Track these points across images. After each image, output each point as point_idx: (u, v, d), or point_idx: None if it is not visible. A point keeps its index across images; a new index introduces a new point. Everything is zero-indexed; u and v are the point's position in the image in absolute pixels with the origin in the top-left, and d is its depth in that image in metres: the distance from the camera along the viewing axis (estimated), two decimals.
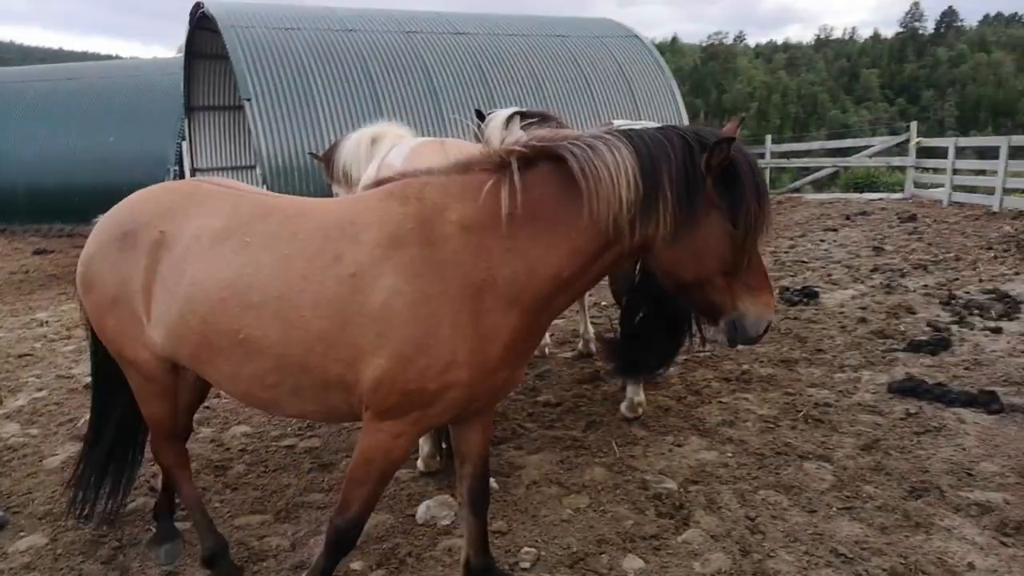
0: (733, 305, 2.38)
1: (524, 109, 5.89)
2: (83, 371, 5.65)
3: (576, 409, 4.75)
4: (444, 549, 3.24)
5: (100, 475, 3.37)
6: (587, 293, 5.91)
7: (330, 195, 5.39)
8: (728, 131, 2.33)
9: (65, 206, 16.00)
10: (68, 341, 7.21)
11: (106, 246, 2.77)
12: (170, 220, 2.67)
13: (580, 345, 5.80)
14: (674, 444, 4.16)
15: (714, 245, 2.29)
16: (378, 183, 2.61)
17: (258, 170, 10.18)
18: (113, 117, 17.03)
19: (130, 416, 3.24)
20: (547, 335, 5.86)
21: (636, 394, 4.47)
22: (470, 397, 2.43)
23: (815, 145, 19.00)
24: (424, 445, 3.87)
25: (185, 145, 15.54)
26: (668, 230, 2.26)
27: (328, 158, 5.53)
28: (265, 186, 9.65)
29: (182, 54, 14.49)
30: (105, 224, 2.85)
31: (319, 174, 7.08)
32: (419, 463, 3.90)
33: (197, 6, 11.73)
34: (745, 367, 5.27)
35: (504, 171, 2.35)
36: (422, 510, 3.50)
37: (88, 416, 3.47)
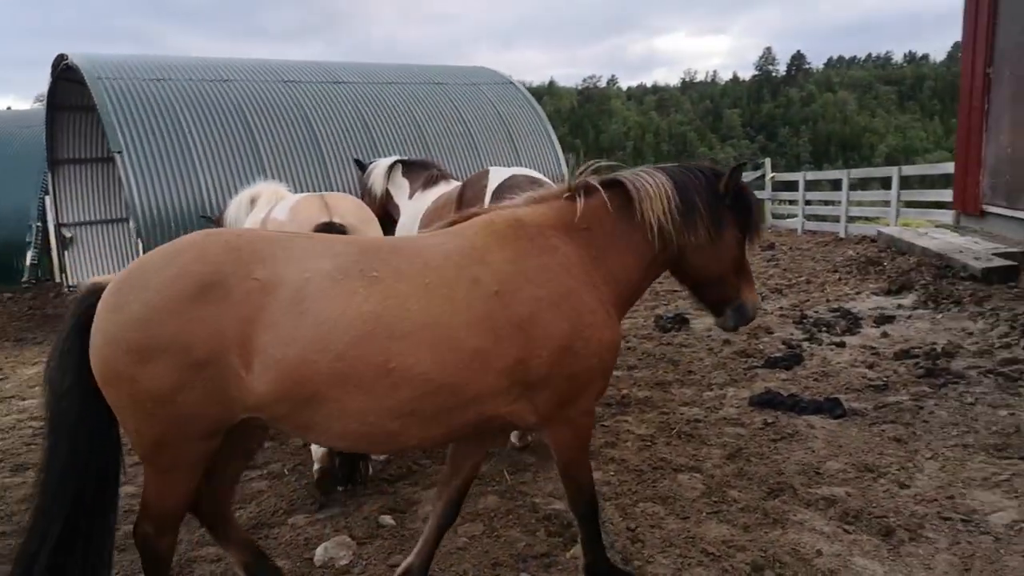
0: (737, 295, 3.19)
1: (405, 158, 6.14)
2: None
3: None
4: None
5: None
6: None
7: None
8: (731, 168, 3.11)
9: None
10: None
11: (178, 303, 2.42)
12: (262, 267, 2.52)
13: None
14: None
15: (730, 249, 3.11)
16: (459, 220, 3.01)
17: (132, 223, 9.84)
18: None
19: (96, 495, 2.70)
20: None
21: None
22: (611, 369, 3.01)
23: None
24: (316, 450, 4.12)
25: (48, 199, 14.74)
26: (702, 239, 3.01)
27: (219, 221, 5.62)
28: (140, 240, 9.35)
29: (41, 104, 13.81)
30: (162, 280, 2.46)
31: (199, 225, 7.00)
32: (315, 466, 4.14)
33: (60, 58, 11.29)
34: (624, 392, 5.63)
35: (574, 200, 2.97)
36: (320, 552, 3.56)
37: None
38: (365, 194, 6.15)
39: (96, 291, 2.58)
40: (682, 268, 3.18)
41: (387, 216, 6.10)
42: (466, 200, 4.68)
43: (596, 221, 2.95)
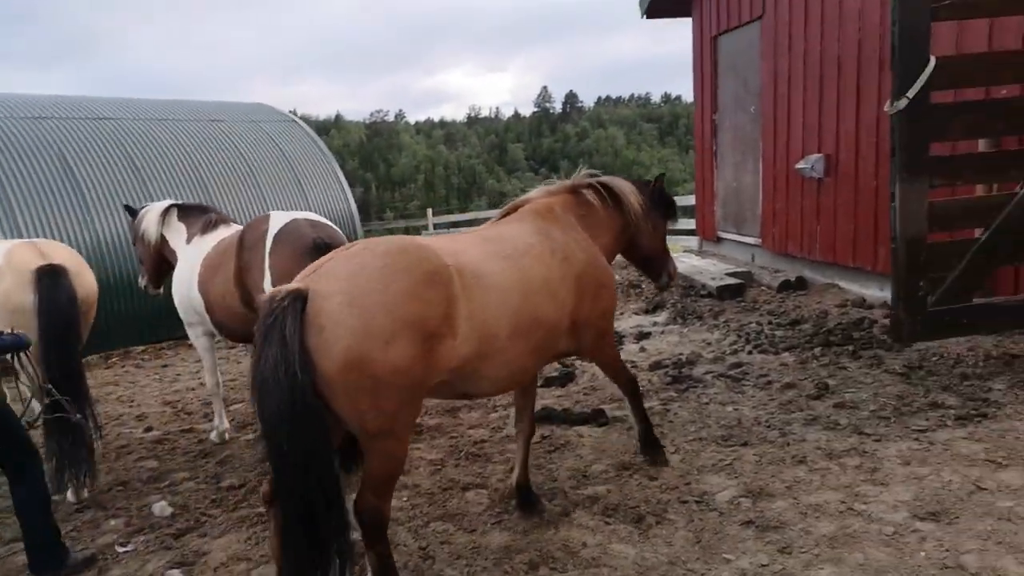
0: (666, 264, 4.73)
1: (180, 202, 5.98)
2: None
3: (261, 487, 4.91)
4: None
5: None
6: None
7: None
8: (656, 179, 4.69)
9: None
10: None
11: (415, 289, 2.98)
12: (450, 258, 3.24)
13: None
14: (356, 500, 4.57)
15: (660, 231, 4.64)
16: (512, 209, 4.12)
17: None
18: None
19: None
20: (226, 420, 5.90)
21: None
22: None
23: (467, 216, 21.22)
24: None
25: None
26: (649, 225, 4.47)
27: None
28: None
29: None
30: (395, 273, 2.96)
31: None
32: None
33: None
34: (417, 421, 5.89)
35: (575, 194, 4.22)
36: None
37: None
38: (137, 240, 5.90)
39: (300, 295, 2.83)
40: (633, 246, 4.56)
41: (164, 262, 5.91)
42: (247, 245, 4.73)
43: (591, 209, 4.20)
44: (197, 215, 5.66)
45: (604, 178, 4.35)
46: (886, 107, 4.50)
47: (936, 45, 6.28)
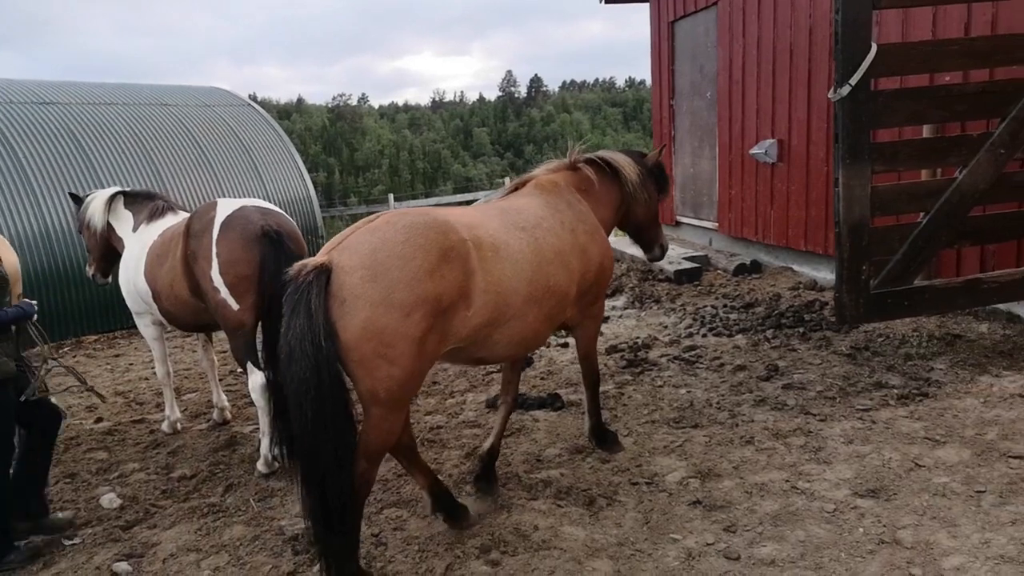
0: (658, 236, 4.92)
1: (127, 189, 5.85)
2: None
3: (213, 477, 4.87)
4: None
5: None
6: (216, 366, 6.03)
7: None
8: (655, 152, 4.86)
9: None
10: None
11: (433, 266, 3.11)
12: (466, 231, 3.35)
13: (215, 415, 5.88)
14: None
15: (654, 203, 4.75)
16: (520, 184, 4.29)
17: None
18: None
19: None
20: (177, 410, 5.82)
21: (270, 449, 4.76)
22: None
23: (432, 200, 21.10)
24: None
25: None
26: (645, 196, 4.59)
27: None
28: None
29: None
30: (414, 250, 3.08)
31: None
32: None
33: None
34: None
35: (575, 170, 4.39)
36: None
37: None
38: (83, 229, 5.76)
39: (325, 269, 2.99)
40: (629, 217, 4.70)
41: (111, 251, 5.78)
42: (193, 232, 4.64)
43: (591, 183, 4.35)
44: (144, 202, 5.54)
45: (603, 153, 4.53)
46: (829, 94, 4.58)
47: (884, 33, 6.42)
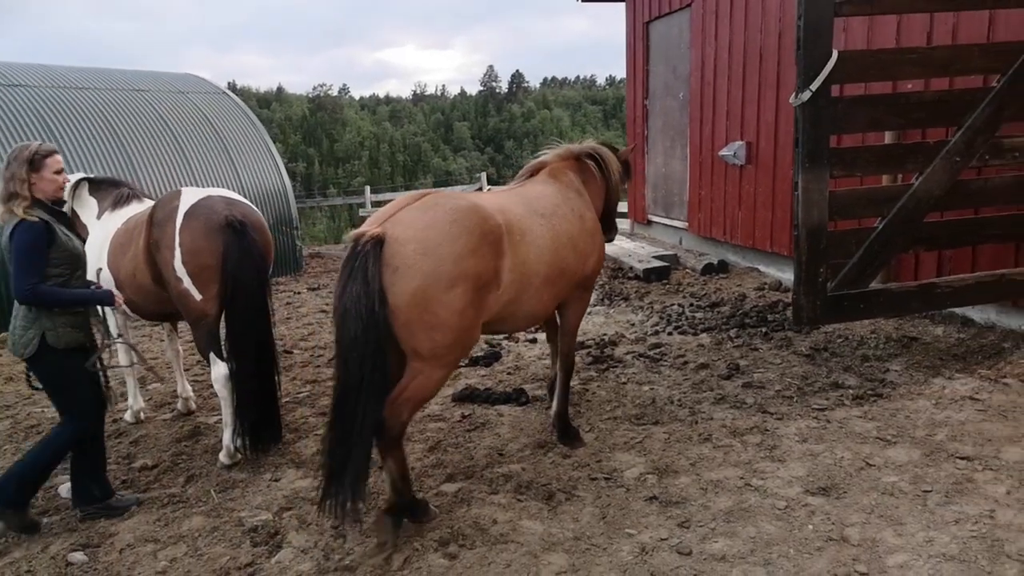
0: (615, 219, 5.25)
1: (92, 175, 5.79)
2: None
3: (175, 467, 4.85)
4: None
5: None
6: (181, 356, 6.00)
7: None
8: (627, 149, 5.38)
9: None
10: None
11: (475, 247, 3.51)
12: (499, 216, 3.74)
13: (179, 405, 5.85)
14: (272, 480, 4.56)
15: (619, 192, 5.09)
16: (535, 170, 4.70)
17: None
18: None
19: None
20: (141, 400, 5.79)
21: (233, 440, 4.75)
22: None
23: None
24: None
25: None
26: (621, 184, 5.03)
27: None
28: None
29: None
30: (460, 232, 3.48)
31: None
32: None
33: None
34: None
35: (579, 161, 4.79)
36: None
37: None
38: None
39: (380, 240, 3.36)
40: (605, 205, 4.95)
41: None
42: (156, 221, 4.61)
43: (591, 176, 4.79)
44: (109, 189, 5.49)
45: (598, 148, 4.91)
46: (791, 99, 4.67)
47: (850, 39, 6.54)
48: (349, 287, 3.31)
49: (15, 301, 3.94)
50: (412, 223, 3.44)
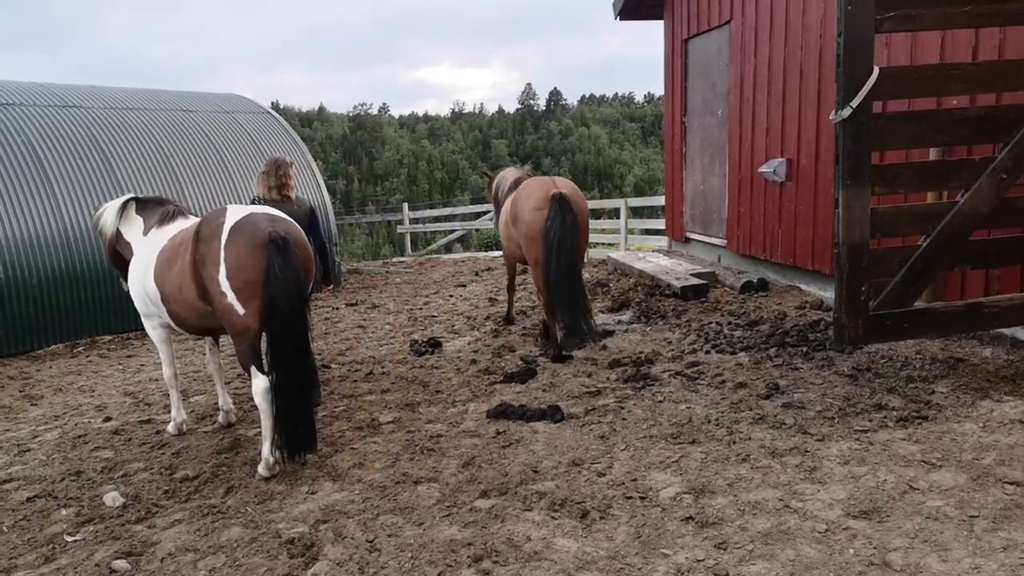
0: None
1: (140, 196, 5.98)
2: None
3: (216, 478, 4.95)
4: None
5: None
6: (222, 370, 6.13)
7: None
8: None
9: None
10: None
11: (545, 204, 6.58)
12: (553, 187, 6.72)
13: (220, 418, 5.97)
14: (309, 492, 4.62)
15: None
16: (519, 180, 7.75)
17: None
18: None
19: None
20: (183, 412, 5.92)
21: (272, 452, 4.83)
22: None
23: (445, 212, 21.31)
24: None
25: None
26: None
27: None
28: None
29: None
30: (541, 194, 6.67)
31: None
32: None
33: None
34: (376, 415, 5.96)
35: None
36: None
37: None
38: (98, 235, 5.92)
39: (565, 196, 6.71)
40: None
41: (117, 257, 5.91)
42: (202, 237, 4.74)
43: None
44: (155, 207, 5.67)
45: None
46: (831, 116, 4.62)
47: (893, 56, 6.45)
48: (566, 218, 6.49)
49: None
50: (573, 189, 6.87)
